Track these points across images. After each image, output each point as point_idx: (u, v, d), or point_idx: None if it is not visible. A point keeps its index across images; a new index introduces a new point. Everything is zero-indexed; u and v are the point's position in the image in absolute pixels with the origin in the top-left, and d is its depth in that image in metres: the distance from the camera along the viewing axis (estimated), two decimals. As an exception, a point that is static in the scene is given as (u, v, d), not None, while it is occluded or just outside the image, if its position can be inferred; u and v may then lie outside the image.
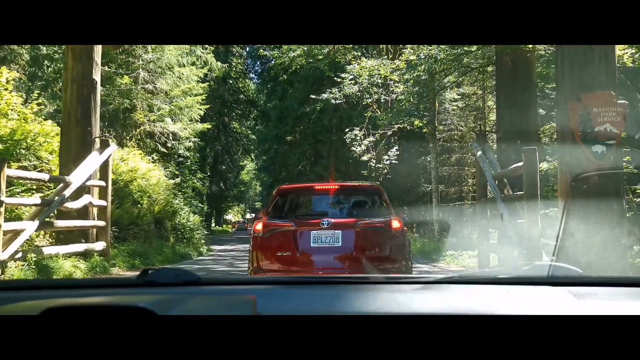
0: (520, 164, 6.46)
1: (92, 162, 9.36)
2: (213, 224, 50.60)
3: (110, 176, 10.25)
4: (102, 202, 9.78)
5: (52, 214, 9.36)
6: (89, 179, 9.19)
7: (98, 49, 9.97)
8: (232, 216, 65.65)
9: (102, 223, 9.76)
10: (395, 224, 5.60)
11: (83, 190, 9.17)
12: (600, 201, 5.36)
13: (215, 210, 49.76)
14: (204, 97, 20.28)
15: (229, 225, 58.06)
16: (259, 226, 5.68)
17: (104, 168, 9.90)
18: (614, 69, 5.68)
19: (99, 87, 9.98)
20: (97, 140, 9.78)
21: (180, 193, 17.94)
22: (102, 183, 9.83)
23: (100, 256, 9.50)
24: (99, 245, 9.58)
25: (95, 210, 9.80)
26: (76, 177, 8.73)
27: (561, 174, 5.80)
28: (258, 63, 41.68)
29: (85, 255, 9.18)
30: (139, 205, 13.36)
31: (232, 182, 47.37)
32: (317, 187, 6.27)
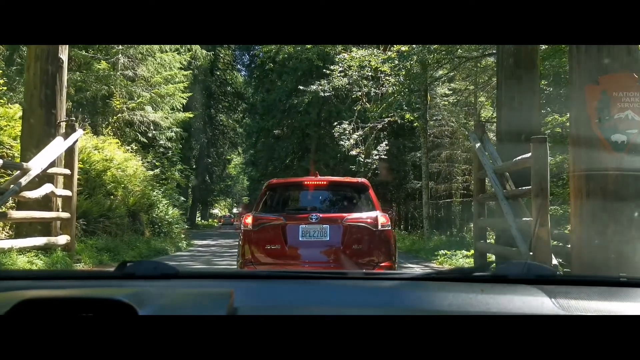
0: (527, 155, 5.77)
1: (55, 147, 8.53)
2: (199, 218, 49.74)
3: (77, 164, 9.42)
4: (67, 192, 8.95)
5: (11, 204, 8.61)
6: (51, 165, 8.37)
7: (65, 26, 9.14)
8: (218, 210, 64.73)
9: (66, 215, 8.94)
10: (382, 219, 5.67)
11: (46, 178, 8.39)
12: (618, 202, 4.70)
13: (201, 204, 48.88)
14: (187, 85, 19.44)
15: (215, 220, 57.12)
16: (249, 219, 5.77)
17: (69, 155, 9.06)
18: (636, 48, 5.01)
19: (65, 67, 9.15)
20: (63, 125, 8.95)
21: (158, 185, 17.10)
22: (67, 171, 8.99)
23: (64, 251, 8.72)
24: (62, 239, 8.78)
25: (59, 200, 8.98)
26: (36, 164, 7.91)
27: (574, 168, 5.12)
28: (246, 55, 40.92)
29: (46, 249, 8.39)
30: (112, 197, 12.55)
31: (218, 175, 46.45)
32: (306, 182, 6.37)
